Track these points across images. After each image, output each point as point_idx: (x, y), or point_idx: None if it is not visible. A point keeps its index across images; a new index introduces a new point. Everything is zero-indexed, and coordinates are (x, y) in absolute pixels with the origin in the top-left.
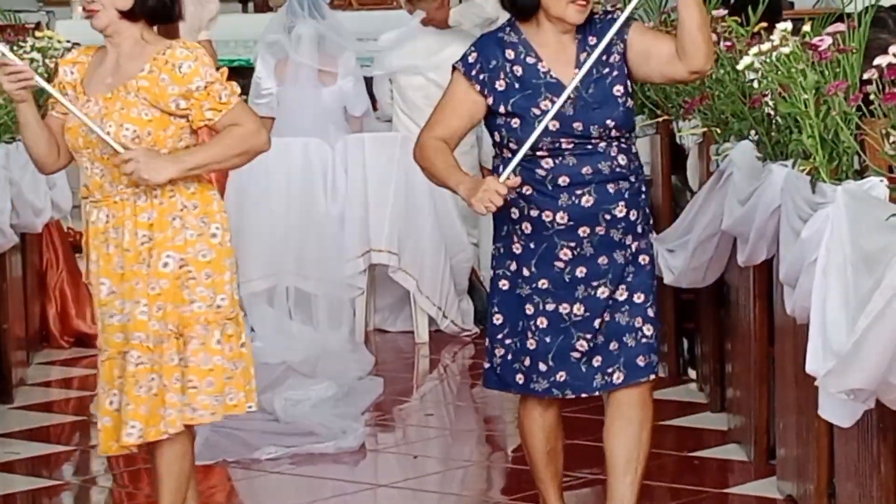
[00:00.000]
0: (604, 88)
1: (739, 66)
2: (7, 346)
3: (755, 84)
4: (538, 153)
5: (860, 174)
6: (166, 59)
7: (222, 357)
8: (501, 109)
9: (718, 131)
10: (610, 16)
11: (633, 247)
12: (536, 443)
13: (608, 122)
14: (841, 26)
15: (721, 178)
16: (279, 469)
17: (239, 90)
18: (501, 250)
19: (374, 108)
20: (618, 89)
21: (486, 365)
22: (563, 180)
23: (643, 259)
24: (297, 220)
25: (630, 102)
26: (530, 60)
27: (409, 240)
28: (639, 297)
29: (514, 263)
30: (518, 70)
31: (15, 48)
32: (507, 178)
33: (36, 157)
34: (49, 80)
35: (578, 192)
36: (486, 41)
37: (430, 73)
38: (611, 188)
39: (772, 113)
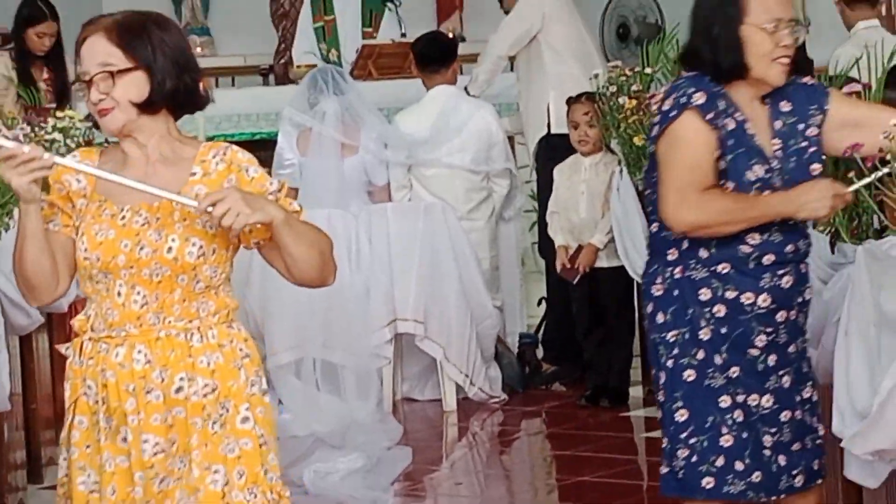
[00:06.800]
0: (802, 164)
1: None
2: (36, 427)
3: None
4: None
5: (880, 234)
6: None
7: None
8: (722, 165)
9: None
10: (800, 80)
11: (806, 335)
12: None
13: None
14: (856, 86)
15: None
16: None
17: None
18: (686, 336)
19: None
20: (815, 168)
21: (665, 469)
22: (767, 258)
23: (808, 351)
24: (322, 290)
25: None
26: (739, 117)
27: (434, 308)
28: (811, 394)
29: (701, 351)
30: (731, 124)
31: (36, 129)
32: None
33: (36, 282)
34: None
35: (780, 271)
36: (698, 81)
37: (450, 157)
38: (802, 268)
39: None
